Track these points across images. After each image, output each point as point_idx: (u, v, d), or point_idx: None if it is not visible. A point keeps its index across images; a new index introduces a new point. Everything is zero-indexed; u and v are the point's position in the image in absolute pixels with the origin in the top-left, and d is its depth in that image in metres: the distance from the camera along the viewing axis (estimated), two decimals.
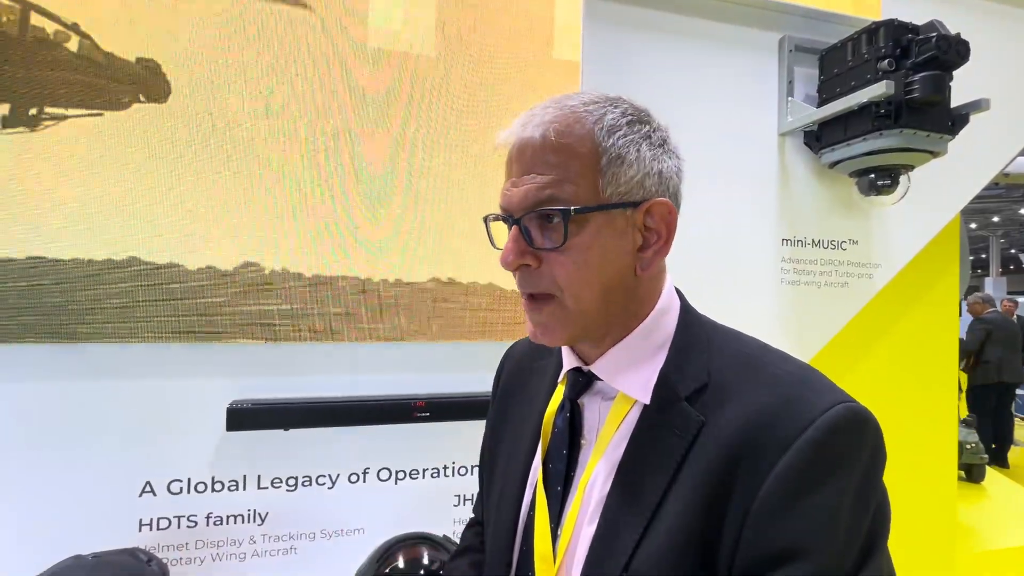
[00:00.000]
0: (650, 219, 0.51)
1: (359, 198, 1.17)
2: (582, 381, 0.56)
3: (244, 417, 1.09)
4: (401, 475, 1.23)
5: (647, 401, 0.52)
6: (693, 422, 0.48)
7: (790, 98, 1.54)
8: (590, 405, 0.56)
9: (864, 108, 1.36)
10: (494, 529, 0.60)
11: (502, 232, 0.54)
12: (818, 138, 1.52)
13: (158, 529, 1.09)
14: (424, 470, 1.24)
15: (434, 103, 1.22)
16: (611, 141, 0.50)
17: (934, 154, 1.38)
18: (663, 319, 0.54)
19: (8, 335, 1.00)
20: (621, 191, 0.50)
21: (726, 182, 1.50)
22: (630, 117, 0.52)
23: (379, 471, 1.21)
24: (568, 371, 0.58)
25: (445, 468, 1.25)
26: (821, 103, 1.51)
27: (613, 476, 0.50)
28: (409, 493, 1.22)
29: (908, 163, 1.39)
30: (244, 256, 1.10)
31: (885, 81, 1.27)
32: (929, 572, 1.77)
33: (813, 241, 1.58)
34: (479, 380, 1.20)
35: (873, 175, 1.44)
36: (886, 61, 1.31)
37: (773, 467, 0.44)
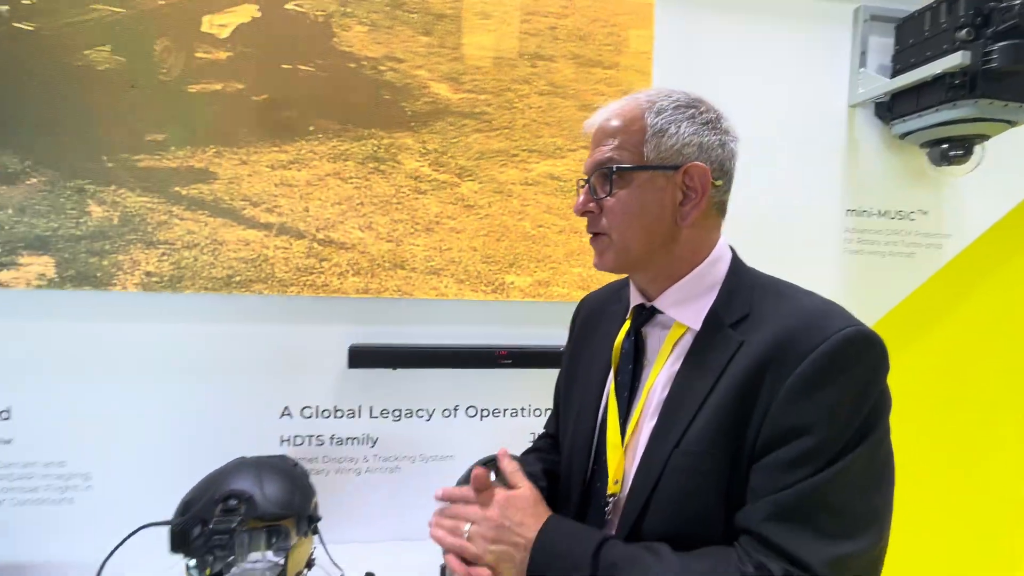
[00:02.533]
0: (688, 179, 0.67)
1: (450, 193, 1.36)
2: (645, 314, 0.73)
3: (362, 356, 1.31)
4: (485, 413, 1.43)
5: (698, 328, 0.67)
6: (733, 342, 0.64)
7: (862, 69, 1.55)
8: (651, 333, 0.73)
9: (938, 78, 1.37)
10: (576, 431, 0.78)
11: None
12: (889, 109, 1.54)
13: (294, 445, 1.35)
14: (505, 410, 1.43)
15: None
16: (655, 120, 0.67)
17: (1011, 124, 1.37)
18: (715, 267, 0.70)
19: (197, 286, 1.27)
20: (662, 156, 0.67)
21: (794, 154, 1.55)
22: (677, 103, 0.68)
23: (467, 409, 1.42)
24: (634, 307, 0.74)
25: (522, 409, 1.44)
26: (895, 74, 1.52)
27: (670, 384, 0.67)
28: (492, 429, 1.42)
29: (983, 133, 1.40)
30: (367, 232, 1.33)
31: (961, 52, 1.28)
32: None
33: (880, 211, 1.61)
34: (552, 335, 1.36)
35: (945, 145, 1.45)
36: (964, 31, 1.31)
37: (792, 372, 0.58)
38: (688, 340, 0.68)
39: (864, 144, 1.59)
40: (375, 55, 1.34)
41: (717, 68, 1.49)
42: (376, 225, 1.35)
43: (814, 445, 0.57)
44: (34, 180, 1.23)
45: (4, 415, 1.24)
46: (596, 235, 0.71)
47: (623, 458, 0.69)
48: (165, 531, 1.01)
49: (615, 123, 0.68)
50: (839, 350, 0.58)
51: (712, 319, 0.67)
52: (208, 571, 1.01)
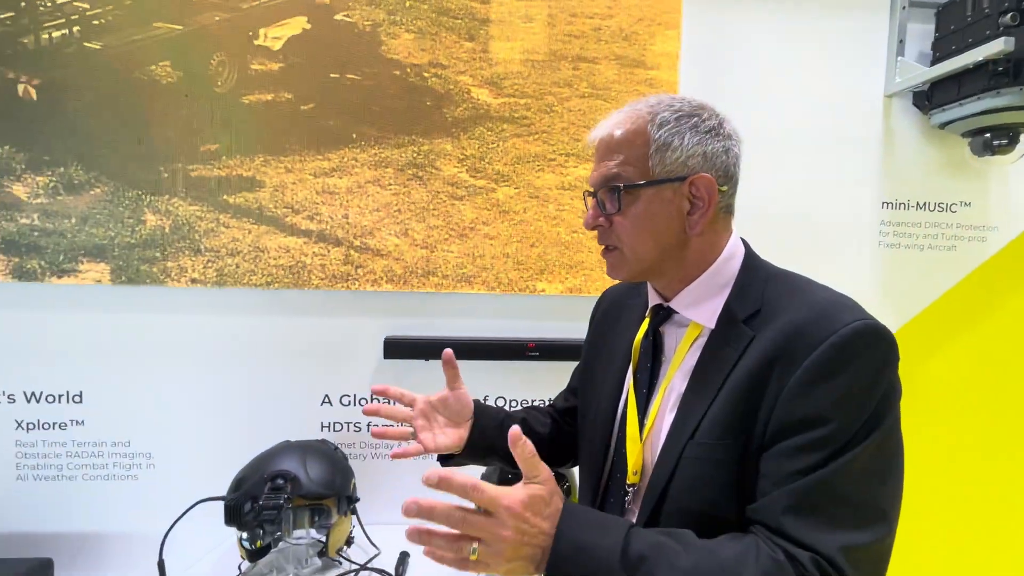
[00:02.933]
0: (695, 190, 0.69)
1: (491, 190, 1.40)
2: (662, 314, 0.76)
3: (396, 348, 1.38)
4: (514, 403, 1.47)
5: (713, 326, 0.70)
6: (745, 337, 0.66)
7: (900, 58, 1.51)
8: (669, 332, 0.76)
9: (980, 66, 1.33)
10: (594, 421, 0.81)
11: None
12: (928, 98, 1.49)
13: (333, 431, 1.44)
14: (532, 400, 1.47)
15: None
16: (659, 133, 0.68)
17: None
18: (727, 264, 0.72)
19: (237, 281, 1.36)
20: (667, 169, 0.68)
21: (827, 146, 1.52)
22: (679, 113, 0.69)
23: (496, 399, 1.47)
24: (652, 307, 0.77)
25: (549, 400, 1.48)
26: (934, 61, 1.47)
27: (687, 379, 0.69)
28: None
29: None
30: (402, 239, 1.39)
31: (1004, 38, 1.23)
32: None
33: (918, 204, 1.56)
34: (579, 329, 1.39)
35: (988, 135, 1.40)
36: (1008, 16, 1.27)
37: (801, 363, 0.60)
38: (704, 337, 0.70)
39: (901, 134, 1.55)
40: (419, 62, 1.38)
41: (749, 59, 1.48)
42: (412, 231, 1.41)
43: (822, 434, 0.58)
44: (97, 190, 1.34)
45: (77, 399, 1.37)
46: (607, 248, 0.74)
47: (642, 450, 0.72)
48: (219, 506, 1.11)
49: (619, 137, 0.69)
50: (848, 342, 0.59)
51: (726, 315, 0.69)
52: (258, 543, 1.09)
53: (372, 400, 1.44)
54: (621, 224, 0.70)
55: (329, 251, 1.40)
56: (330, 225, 1.40)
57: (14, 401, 1.35)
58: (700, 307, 0.71)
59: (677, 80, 1.44)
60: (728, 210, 0.74)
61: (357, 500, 1.25)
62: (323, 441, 1.31)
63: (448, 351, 0.85)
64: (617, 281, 0.81)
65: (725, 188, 0.70)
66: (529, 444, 0.60)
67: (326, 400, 1.43)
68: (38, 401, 1.35)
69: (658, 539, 0.60)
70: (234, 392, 1.40)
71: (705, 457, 0.64)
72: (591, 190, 0.73)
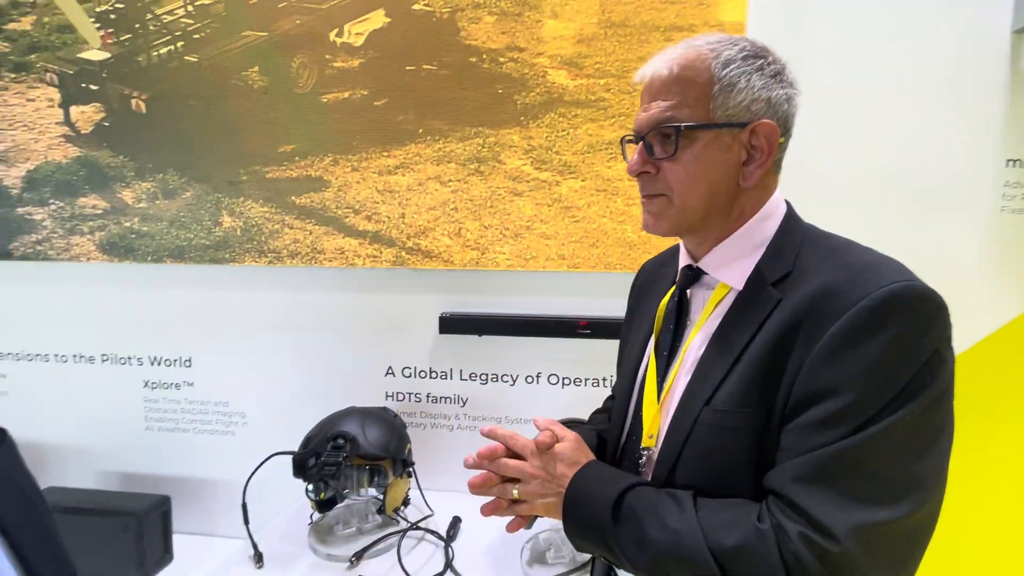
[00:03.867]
0: (755, 138, 0.63)
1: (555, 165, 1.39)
2: (691, 275, 0.71)
3: (451, 324, 1.44)
4: (567, 381, 1.47)
5: (740, 288, 0.65)
6: (771, 300, 0.61)
7: None
8: (696, 293, 0.72)
9: None
10: (620, 384, 0.81)
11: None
12: None
13: (396, 400, 1.53)
14: (586, 379, 1.46)
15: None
16: (724, 72, 0.62)
17: None
18: (763, 224, 0.66)
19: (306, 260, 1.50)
20: (729, 113, 0.62)
21: (939, 95, 1.30)
22: (746, 53, 0.63)
23: (549, 376, 1.47)
24: (681, 267, 0.73)
25: (604, 379, 1.45)
26: None
27: (707, 343, 0.65)
28: (573, 396, 1.46)
29: None
30: (455, 239, 1.44)
31: None
32: None
33: None
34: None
35: None
36: None
37: (828, 329, 0.54)
38: (730, 300, 0.66)
39: None
40: (498, 46, 1.35)
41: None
42: (465, 231, 1.42)
43: (846, 405, 0.53)
44: (187, 194, 1.51)
45: (187, 363, 1.59)
46: (651, 196, 0.68)
47: (658, 414, 0.69)
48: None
49: (677, 74, 0.63)
50: (882, 305, 0.53)
51: (755, 278, 0.64)
52: (321, 495, 1.21)
53: (430, 373, 1.51)
54: (672, 170, 0.64)
55: (381, 252, 1.45)
56: (386, 225, 1.44)
57: (142, 364, 1.60)
58: (730, 267, 0.66)
59: (745, 13, 1.28)
60: (777, 166, 0.68)
61: (412, 464, 1.33)
62: (384, 408, 1.40)
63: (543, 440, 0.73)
64: (656, 237, 0.76)
65: (783, 140, 0.65)
66: (546, 420, 0.75)
67: (389, 371, 1.53)
68: (158, 365, 1.60)
69: (655, 497, 0.62)
70: (312, 361, 1.54)
71: (722, 425, 0.61)
72: (635, 134, 0.68)
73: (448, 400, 1.52)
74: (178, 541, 1.50)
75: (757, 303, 0.62)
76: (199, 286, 1.56)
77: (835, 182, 1.30)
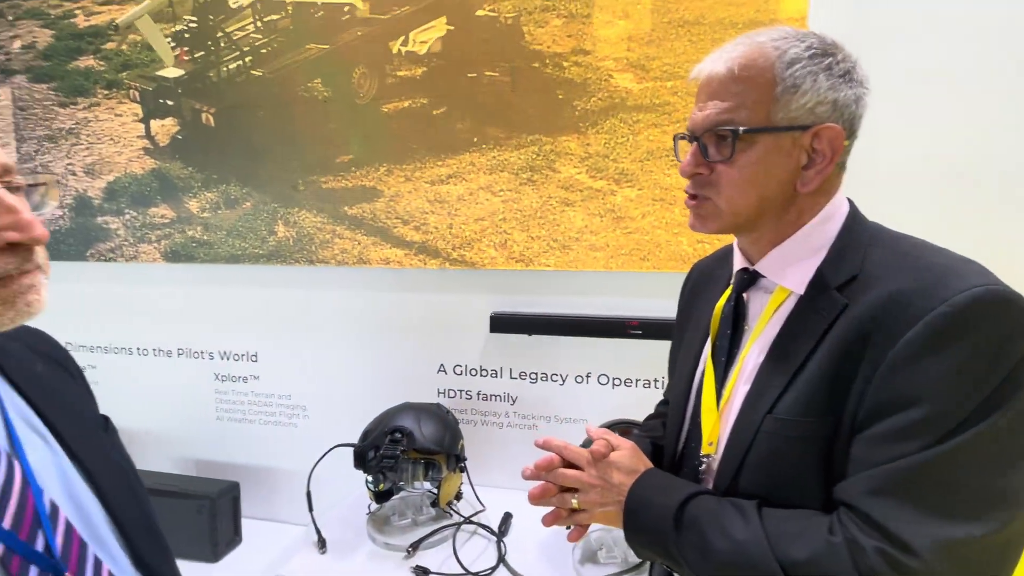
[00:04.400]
0: (817, 142, 0.60)
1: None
2: (747, 278, 0.70)
3: (501, 323, 1.47)
4: (617, 382, 1.47)
5: (801, 292, 0.63)
6: (836, 305, 0.59)
7: None
8: (753, 298, 0.70)
9: None
10: (674, 392, 0.80)
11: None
12: None
13: (448, 397, 1.57)
14: (637, 380, 1.45)
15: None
16: (788, 72, 0.59)
17: None
18: (824, 226, 0.64)
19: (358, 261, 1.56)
20: (791, 116, 0.60)
21: (1013, 83, 1.20)
22: (813, 51, 0.60)
23: (599, 376, 1.48)
24: (737, 271, 0.72)
25: (655, 381, 1.44)
26: None
27: (767, 350, 0.64)
28: (623, 397, 1.46)
29: None
30: (500, 251, 1.46)
31: None
32: None
33: None
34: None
35: None
36: None
37: (902, 336, 0.52)
38: (790, 304, 0.65)
39: None
40: (563, 50, 1.31)
41: None
42: (512, 242, 1.41)
43: (924, 416, 0.51)
44: (247, 204, 1.59)
45: (254, 358, 1.69)
46: (697, 197, 0.66)
47: (718, 421, 0.69)
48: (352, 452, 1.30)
49: (738, 74, 0.60)
50: (963, 312, 0.51)
51: (817, 281, 0.62)
52: (380, 486, 1.26)
53: (481, 371, 1.54)
54: (726, 174, 0.62)
55: (426, 263, 1.47)
56: (433, 236, 1.45)
57: (212, 358, 1.71)
58: (789, 271, 0.65)
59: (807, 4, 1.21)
60: (842, 167, 0.66)
61: (465, 460, 1.36)
62: (437, 405, 1.44)
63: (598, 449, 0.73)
64: (701, 234, 0.75)
65: (847, 142, 0.62)
66: (600, 430, 0.77)
67: (441, 369, 1.57)
68: (227, 359, 1.70)
69: (718, 506, 0.61)
70: (368, 358, 1.60)
71: (784, 434, 0.60)
72: (688, 133, 0.66)
73: (498, 398, 1.54)
74: (244, 525, 1.60)
75: (820, 308, 0.60)
76: (265, 286, 1.65)
77: (904, 178, 1.23)
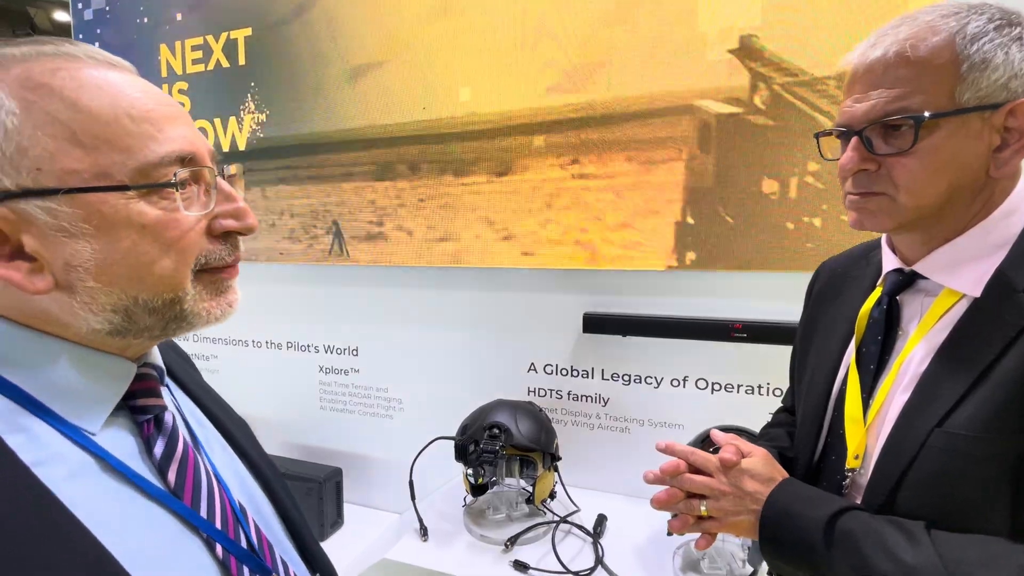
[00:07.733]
0: (1012, 119, 0.55)
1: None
2: (902, 280, 0.64)
3: (594, 323, 1.45)
4: (717, 387, 1.41)
5: (978, 295, 0.57)
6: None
7: None
8: (910, 301, 0.65)
9: None
10: (807, 400, 0.74)
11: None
12: None
13: (538, 396, 1.58)
14: (739, 385, 1.39)
15: None
16: (974, 48, 0.54)
17: None
18: (1007, 220, 0.58)
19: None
20: (981, 95, 0.54)
21: None
22: (998, 22, 0.55)
23: (697, 380, 1.43)
24: (888, 271, 0.66)
25: (759, 387, 1.37)
26: None
27: (933, 355, 0.59)
28: (724, 403, 1.40)
29: None
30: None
31: None
32: None
33: None
34: (793, 310, 1.25)
35: None
36: None
37: None
38: (960, 309, 0.59)
39: None
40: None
41: None
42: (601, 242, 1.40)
43: None
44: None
45: (354, 352, 1.79)
46: (868, 195, 0.60)
47: (865, 434, 0.64)
48: (450, 445, 1.34)
49: (911, 55, 0.54)
50: None
51: (998, 283, 0.56)
52: (480, 480, 1.29)
53: (572, 371, 1.54)
54: (902, 166, 0.56)
55: (519, 261, 1.48)
56: (528, 238, 1.47)
57: (317, 351, 1.83)
58: (961, 271, 0.59)
59: None
60: None
61: (559, 459, 1.36)
62: (530, 403, 1.46)
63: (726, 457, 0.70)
64: (863, 230, 0.65)
65: None
66: (726, 435, 0.73)
67: (532, 367, 1.58)
68: (331, 353, 1.82)
69: (876, 523, 0.56)
70: (462, 354, 1.65)
71: (958, 450, 0.54)
72: (844, 127, 0.60)
73: (589, 399, 1.53)
74: (345, 509, 1.70)
75: (1004, 313, 0.54)
76: (367, 285, 1.74)
77: None
